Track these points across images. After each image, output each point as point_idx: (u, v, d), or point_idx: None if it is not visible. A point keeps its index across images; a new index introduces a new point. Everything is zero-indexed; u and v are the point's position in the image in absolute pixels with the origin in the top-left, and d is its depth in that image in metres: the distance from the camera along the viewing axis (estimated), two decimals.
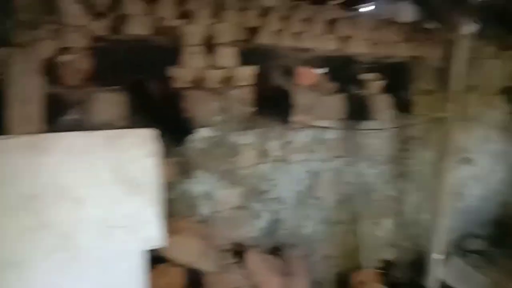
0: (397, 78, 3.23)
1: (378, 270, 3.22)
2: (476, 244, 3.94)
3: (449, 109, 2.85)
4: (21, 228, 1.68)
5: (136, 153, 1.90)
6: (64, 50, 1.99)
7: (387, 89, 3.04)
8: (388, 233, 3.32)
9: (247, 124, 2.44)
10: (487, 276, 3.48)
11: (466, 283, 3.23)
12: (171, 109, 2.29)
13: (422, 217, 3.49)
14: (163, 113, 2.30)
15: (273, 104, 2.56)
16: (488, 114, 3.84)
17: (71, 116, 2.01)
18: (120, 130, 1.95)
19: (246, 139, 2.44)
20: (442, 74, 2.86)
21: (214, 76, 2.32)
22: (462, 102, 3.55)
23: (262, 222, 2.61)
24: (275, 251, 2.60)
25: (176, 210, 2.21)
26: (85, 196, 1.80)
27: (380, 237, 3.28)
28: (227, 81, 2.39)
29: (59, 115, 1.96)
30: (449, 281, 3.16)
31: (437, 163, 2.95)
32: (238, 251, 2.45)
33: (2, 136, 1.70)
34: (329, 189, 2.85)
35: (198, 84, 2.30)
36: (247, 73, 2.41)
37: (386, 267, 3.27)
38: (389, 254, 3.36)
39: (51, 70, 1.91)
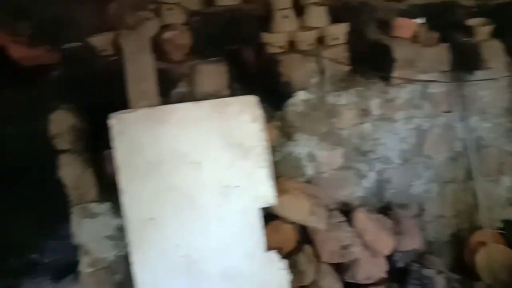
0: (507, 21, 2.90)
1: (498, 231, 2.99)
2: None
3: None
4: (153, 190, 1.90)
5: (242, 119, 2.00)
6: (165, 27, 2.15)
7: (497, 34, 2.74)
8: (507, 191, 3.05)
9: (345, 83, 2.40)
10: None
11: None
12: (268, 74, 2.35)
13: None
14: (261, 79, 2.37)
15: (370, 61, 2.48)
16: None
17: (179, 89, 2.18)
18: (224, 98, 2.06)
19: (345, 99, 2.41)
20: None
21: (306, 38, 2.31)
22: None
23: (367, 182, 2.57)
24: (384, 210, 2.56)
25: (282, 172, 2.29)
26: (202, 160, 1.95)
27: (499, 196, 3.03)
28: (320, 42, 2.37)
29: (169, 88, 2.14)
30: None
31: None
32: (345, 211, 2.46)
33: (127, 110, 1.91)
34: (438, 146, 2.69)
35: (291, 47, 2.32)
36: (340, 30, 2.36)
37: (507, 227, 3.01)
38: (510, 214, 3.09)
39: (157, 47, 2.08)
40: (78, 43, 2.24)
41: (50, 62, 2.34)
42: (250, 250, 1.99)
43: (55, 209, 3.34)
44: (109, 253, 2.16)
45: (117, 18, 1.97)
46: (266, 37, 2.28)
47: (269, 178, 2.01)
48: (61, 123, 2.04)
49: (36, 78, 2.53)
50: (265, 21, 2.31)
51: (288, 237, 2.19)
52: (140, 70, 1.93)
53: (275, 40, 2.27)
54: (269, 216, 2.12)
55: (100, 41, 2.17)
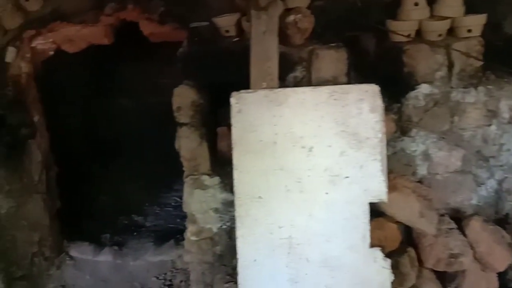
0: None
1: None
2: None
3: None
4: (263, 169, 1.94)
5: (360, 108, 1.93)
6: (289, 11, 2.14)
7: None
8: None
9: (474, 80, 2.20)
10: None
11: None
12: (389, 64, 2.25)
13: None
14: (381, 68, 2.27)
15: (506, 57, 2.24)
16: None
17: (296, 73, 2.17)
18: (343, 85, 2.01)
19: (472, 97, 2.21)
20: None
21: (437, 28, 2.15)
22: None
23: (485, 190, 2.35)
24: (501, 223, 2.32)
25: (392, 168, 2.18)
26: (314, 145, 1.94)
27: None
28: (451, 33, 2.20)
29: (287, 72, 2.14)
30: None
31: None
32: (456, 218, 2.29)
33: (248, 90, 1.96)
34: None
35: (419, 37, 2.18)
36: (475, 22, 2.16)
37: None
38: None
39: (279, 31, 2.08)
40: (204, 23, 2.34)
41: (176, 40, 2.48)
42: (354, 243, 1.95)
43: (161, 179, 3.62)
44: (213, 225, 2.26)
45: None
46: (392, 24, 2.17)
47: (382, 172, 1.93)
48: (183, 98, 2.15)
49: (162, 54, 2.72)
50: (392, 7, 2.20)
51: (392, 236, 2.10)
52: (265, 52, 1.95)
53: (401, 28, 2.15)
54: (374, 211, 2.05)
55: (225, 21, 2.25)
